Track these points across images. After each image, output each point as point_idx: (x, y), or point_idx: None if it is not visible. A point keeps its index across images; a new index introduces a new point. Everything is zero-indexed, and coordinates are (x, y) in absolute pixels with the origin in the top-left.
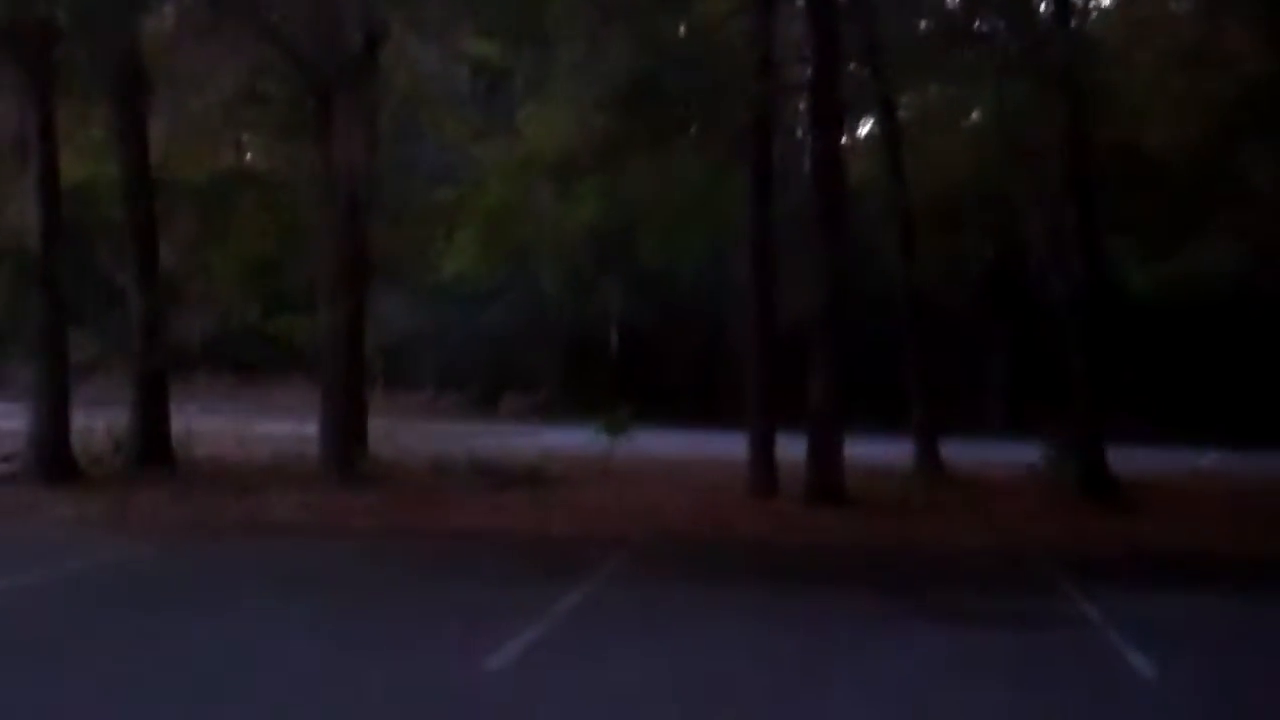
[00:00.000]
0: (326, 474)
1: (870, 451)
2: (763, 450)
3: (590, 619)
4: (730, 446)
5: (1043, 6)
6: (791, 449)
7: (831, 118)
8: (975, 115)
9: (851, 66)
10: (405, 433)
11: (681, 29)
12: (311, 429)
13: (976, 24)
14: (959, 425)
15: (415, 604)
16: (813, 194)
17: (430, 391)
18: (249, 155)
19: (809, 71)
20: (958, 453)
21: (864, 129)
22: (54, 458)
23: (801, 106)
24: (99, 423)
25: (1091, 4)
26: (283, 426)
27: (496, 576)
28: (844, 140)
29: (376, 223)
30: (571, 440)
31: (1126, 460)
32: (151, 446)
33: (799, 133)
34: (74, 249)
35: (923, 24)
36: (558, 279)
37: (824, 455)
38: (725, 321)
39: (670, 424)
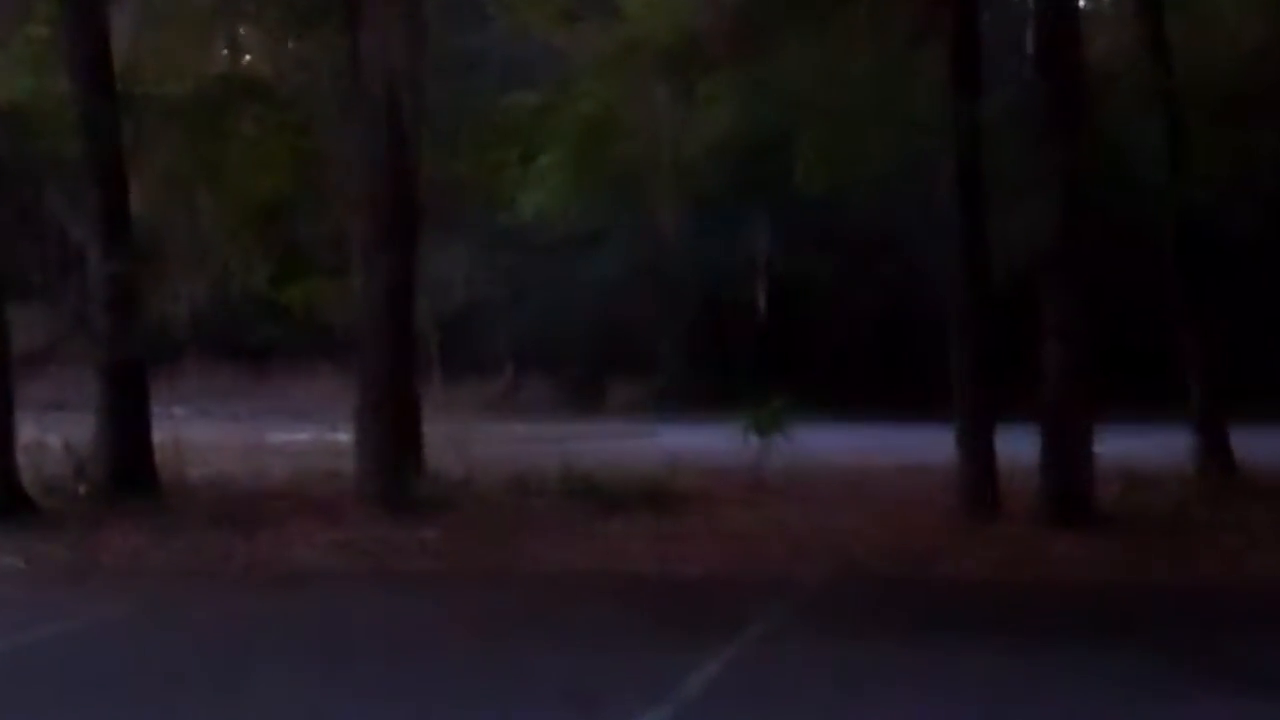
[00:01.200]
0: (368, 499)
1: (1127, 446)
2: (977, 451)
3: (735, 700)
4: (928, 445)
5: None
6: (1015, 448)
7: None
8: None
9: None
10: (475, 438)
11: None
12: (344, 436)
13: None
14: (1258, 407)
15: (491, 680)
16: (1038, 81)
17: (507, 379)
18: (248, 58)
19: None
20: (1258, 446)
21: None
22: None
23: None
24: (53, 435)
25: None
26: (305, 434)
27: (603, 638)
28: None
29: (427, 146)
30: (707, 442)
31: None
32: (126, 466)
33: None
34: (11, 195)
35: None
36: (679, 217)
37: (1066, 457)
38: (916, 270)
39: (842, 416)
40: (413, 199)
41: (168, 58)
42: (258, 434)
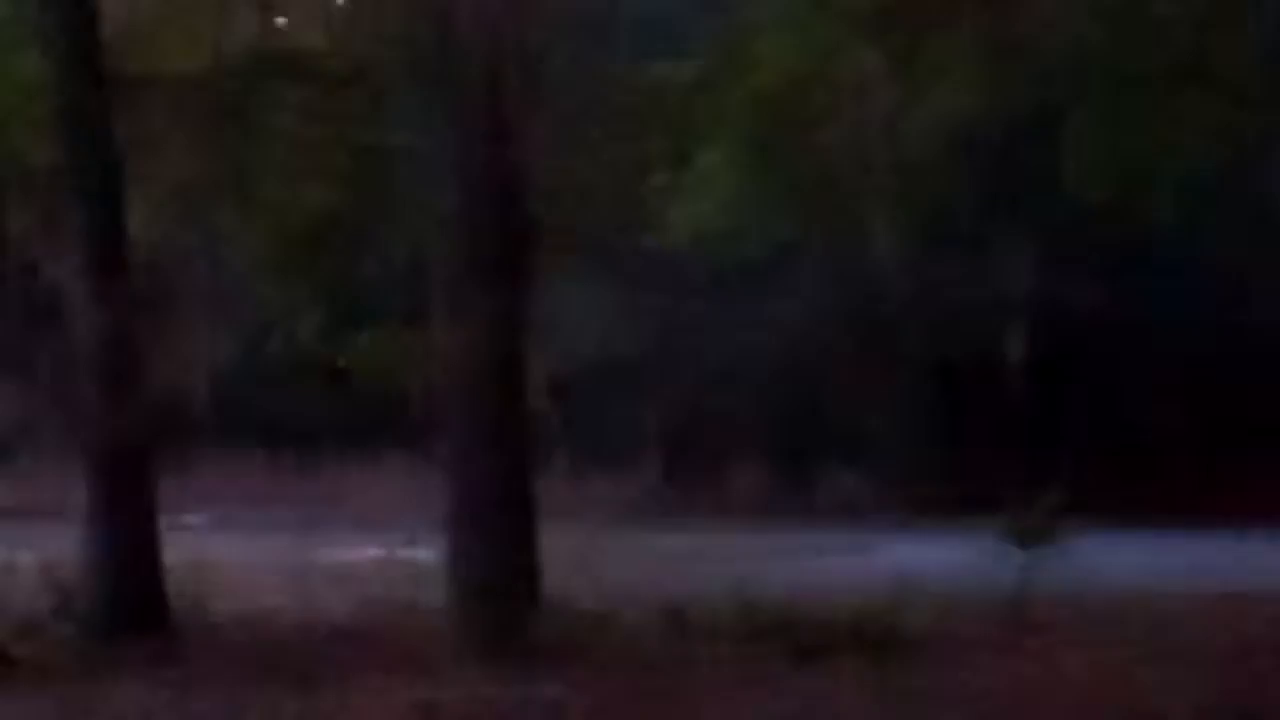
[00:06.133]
0: (465, 643)
1: None
2: None
3: None
4: (1269, 564)
5: None
6: None
7: None
8: None
9: None
10: (613, 554)
11: None
12: (427, 554)
13: None
14: None
15: None
16: None
17: (655, 469)
18: (282, 21)
19: None
20: None
21: None
22: None
23: None
24: (25, 554)
25: None
26: (371, 550)
27: None
28: None
29: (540, 141)
30: (943, 558)
31: None
32: (127, 597)
33: None
34: None
35: None
36: (898, 238)
37: None
38: (1246, 309)
39: (1139, 520)
40: (522, 215)
41: (176, 25)
42: (305, 550)
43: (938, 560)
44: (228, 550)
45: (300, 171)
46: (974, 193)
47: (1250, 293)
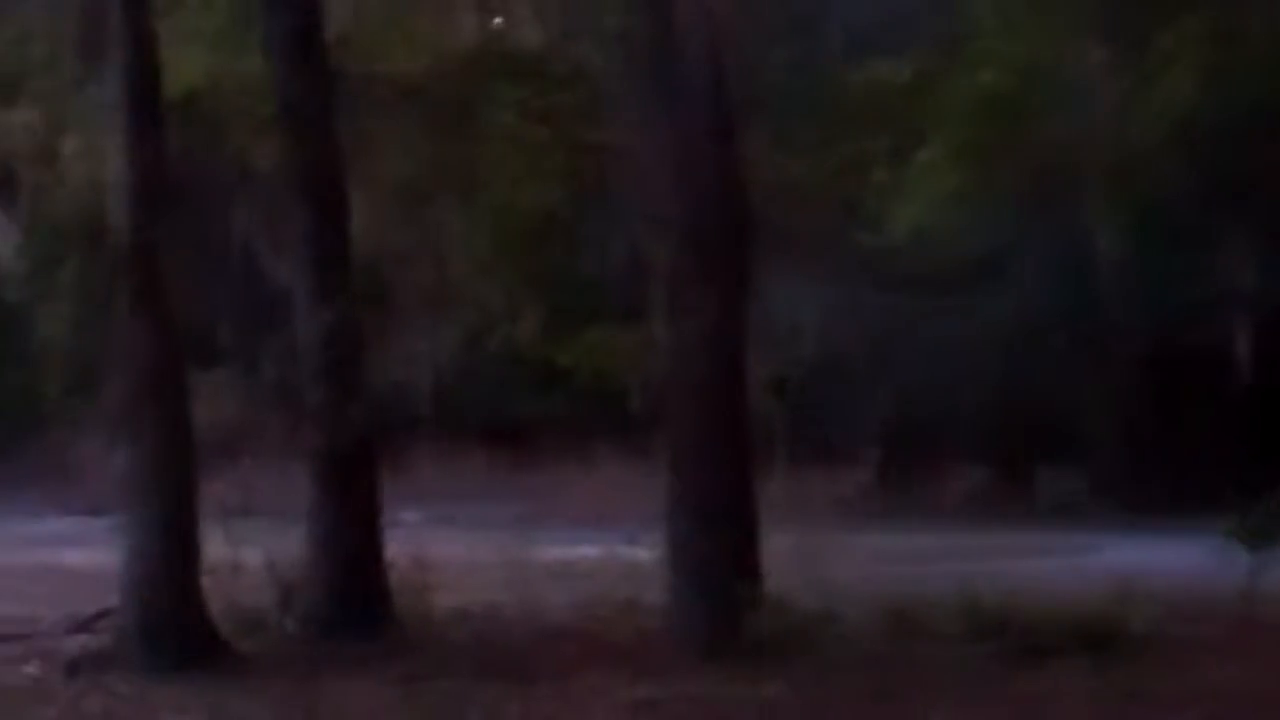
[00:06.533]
0: (686, 641)
1: None
2: None
3: None
4: None
5: None
6: None
7: None
8: None
9: None
10: (833, 552)
11: None
12: (647, 552)
13: None
14: None
15: None
16: None
17: (874, 467)
18: (498, 21)
19: None
20: None
21: None
22: (170, 621)
23: None
24: (249, 551)
25: None
26: (590, 547)
27: None
28: None
29: (759, 138)
30: (1168, 559)
31: None
32: (351, 593)
33: None
34: (189, 217)
35: None
36: (1122, 235)
37: None
38: None
39: None
40: (743, 213)
41: (398, 26)
42: (523, 547)
43: (1160, 560)
44: (446, 547)
45: (520, 170)
46: (1197, 186)
47: None
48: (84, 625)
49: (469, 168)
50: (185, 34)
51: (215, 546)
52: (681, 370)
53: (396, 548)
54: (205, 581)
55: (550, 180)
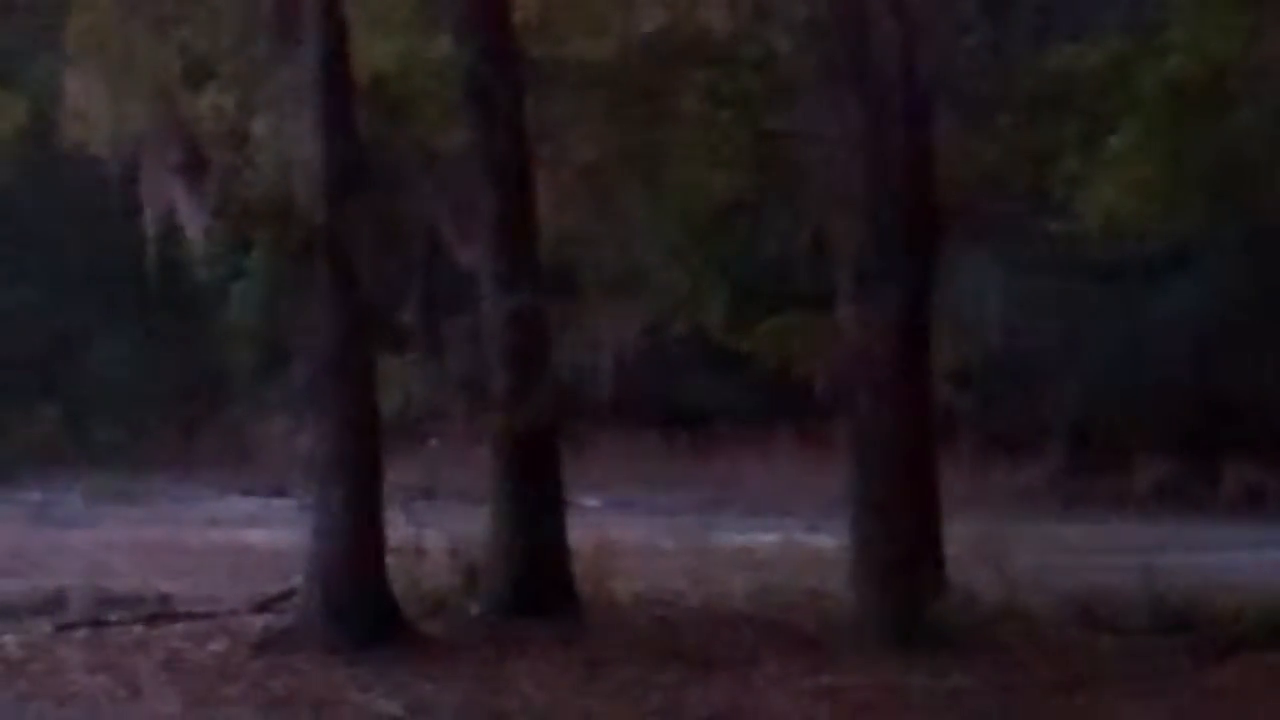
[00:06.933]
0: (868, 630)
1: None
2: None
3: None
4: None
5: None
6: None
7: None
8: None
9: None
10: (1015, 543)
11: None
12: (828, 540)
13: None
14: None
15: None
16: None
17: (1058, 458)
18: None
19: None
20: None
21: None
22: (354, 601)
23: None
24: (432, 534)
25: None
26: (769, 534)
27: None
28: None
29: (946, 124)
30: None
31: None
32: (534, 577)
33: None
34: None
35: None
36: None
37: None
38: None
39: None
40: (931, 199)
41: (585, 10)
42: (701, 533)
43: None
44: (626, 532)
45: (705, 155)
46: None
47: None
48: (268, 604)
49: (655, 152)
50: (374, 17)
51: (398, 528)
52: (866, 358)
53: (577, 533)
54: (389, 562)
55: (736, 165)
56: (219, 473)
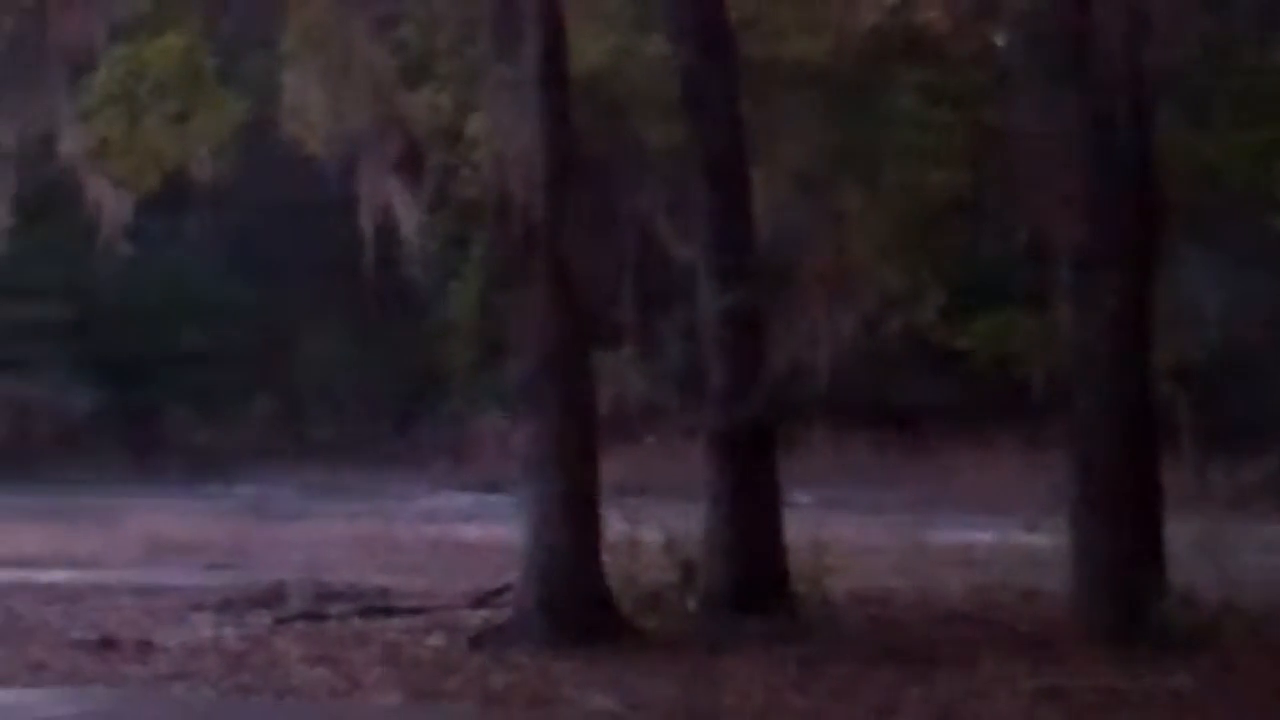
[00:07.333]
0: (1088, 631)
1: None
2: None
3: None
4: None
5: None
6: None
7: None
8: None
9: None
10: (1238, 541)
11: None
12: (1045, 539)
13: None
14: None
15: None
16: None
17: None
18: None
19: None
20: None
21: None
22: (571, 597)
23: None
24: (650, 531)
25: None
26: (985, 533)
27: None
28: None
29: (1169, 120)
30: None
31: None
32: (750, 574)
33: None
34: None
35: None
36: None
37: None
38: None
39: None
40: (1153, 197)
41: (800, 6)
42: (916, 532)
43: None
44: (839, 530)
45: (922, 153)
46: None
47: None
48: (485, 599)
49: (871, 150)
50: (589, 15)
51: (613, 525)
52: (1085, 356)
53: (790, 530)
54: (605, 558)
55: (954, 163)
56: (433, 468)
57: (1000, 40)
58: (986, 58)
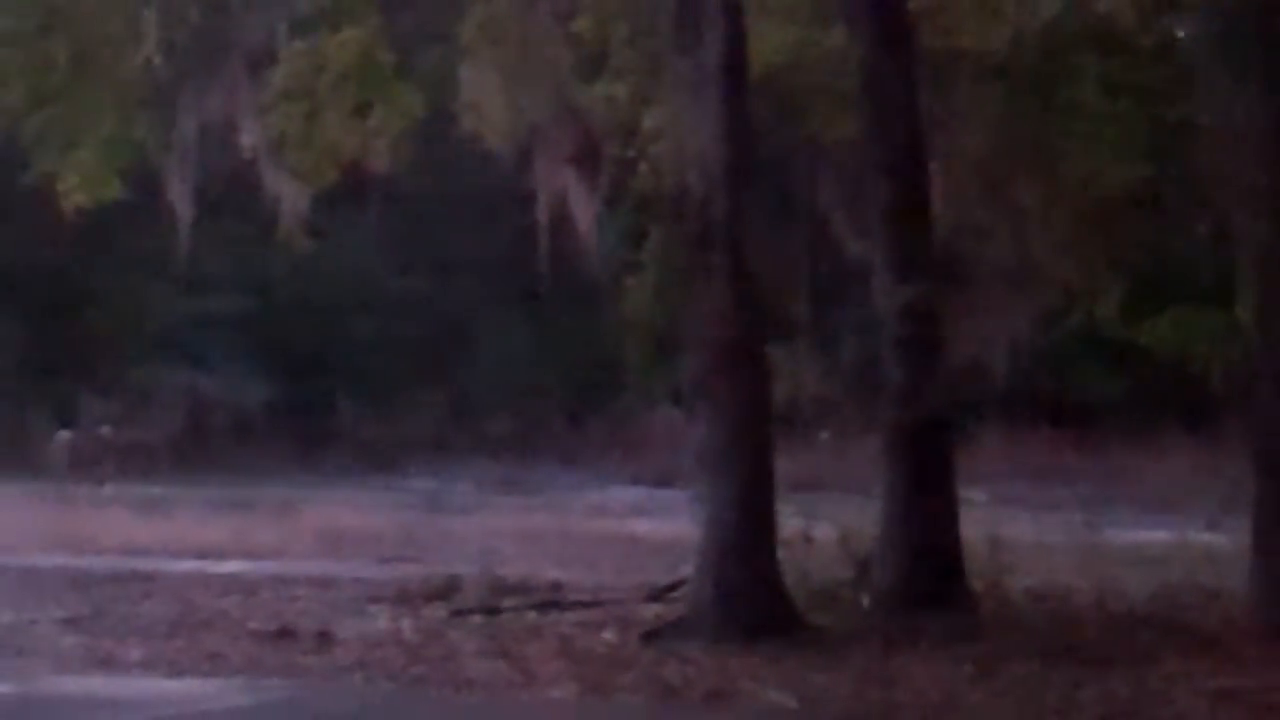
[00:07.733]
0: (1268, 630)
1: None
2: None
3: None
4: None
5: None
6: None
7: None
8: None
9: None
10: None
11: None
12: (1223, 539)
13: None
14: None
15: None
16: None
17: None
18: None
19: None
20: None
21: None
22: (745, 592)
23: None
24: (824, 527)
25: None
26: (1163, 532)
27: None
28: None
29: None
30: None
31: None
32: (926, 571)
33: None
34: (768, 193)
35: None
36: None
37: None
38: None
39: None
40: None
41: (979, 1)
42: (1092, 530)
43: None
44: (1014, 527)
45: (1102, 146)
46: None
47: None
48: (659, 594)
49: (1050, 143)
50: (767, 9)
51: (787, 520)
52: (1268, 352)
53: (965, 527)
54: (779, 554)
55: (1134, 156)
56: (605, 463)
57: (1182, 33)
58: (1169, 50)
